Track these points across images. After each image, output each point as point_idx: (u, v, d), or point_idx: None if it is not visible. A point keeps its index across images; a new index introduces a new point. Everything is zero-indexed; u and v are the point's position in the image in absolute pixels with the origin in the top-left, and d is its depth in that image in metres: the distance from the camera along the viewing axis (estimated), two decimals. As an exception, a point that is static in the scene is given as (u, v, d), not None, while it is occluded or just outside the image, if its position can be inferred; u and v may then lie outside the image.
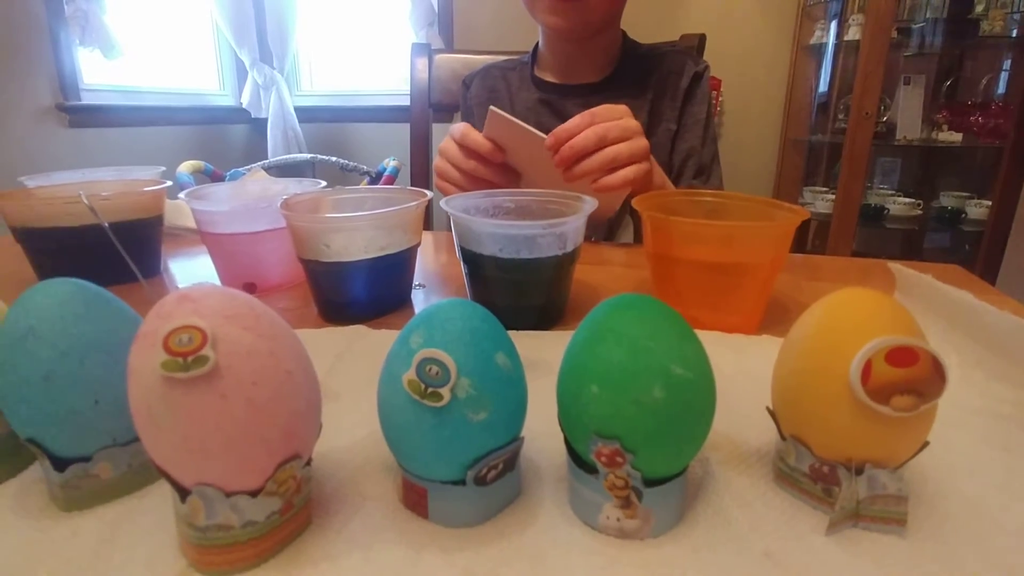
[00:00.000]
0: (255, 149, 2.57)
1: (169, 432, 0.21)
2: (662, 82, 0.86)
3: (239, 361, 0.21)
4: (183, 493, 0.22)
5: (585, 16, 0.77)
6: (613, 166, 0.58)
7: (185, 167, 1.81)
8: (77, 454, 0.25)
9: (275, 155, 2.34)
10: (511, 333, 0.36)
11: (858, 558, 0.23)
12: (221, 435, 0.21)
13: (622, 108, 0.61)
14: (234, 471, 0.21)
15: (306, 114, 2.54)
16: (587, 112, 0.59)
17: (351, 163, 2.13)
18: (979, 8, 1.95)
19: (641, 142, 0.60)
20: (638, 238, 0.86)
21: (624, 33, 0.90)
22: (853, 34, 2.03)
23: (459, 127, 0.63)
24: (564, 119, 0.59)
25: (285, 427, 0.22)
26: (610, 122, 0.58)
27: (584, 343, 0.24)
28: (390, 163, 2.03)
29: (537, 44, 0.91)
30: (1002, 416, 0.33)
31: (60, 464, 0.25)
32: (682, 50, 0.96)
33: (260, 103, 2.48)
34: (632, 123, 0.60)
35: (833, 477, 0.25)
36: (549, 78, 0.90)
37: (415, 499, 0.25)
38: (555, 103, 0.88)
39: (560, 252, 0.44)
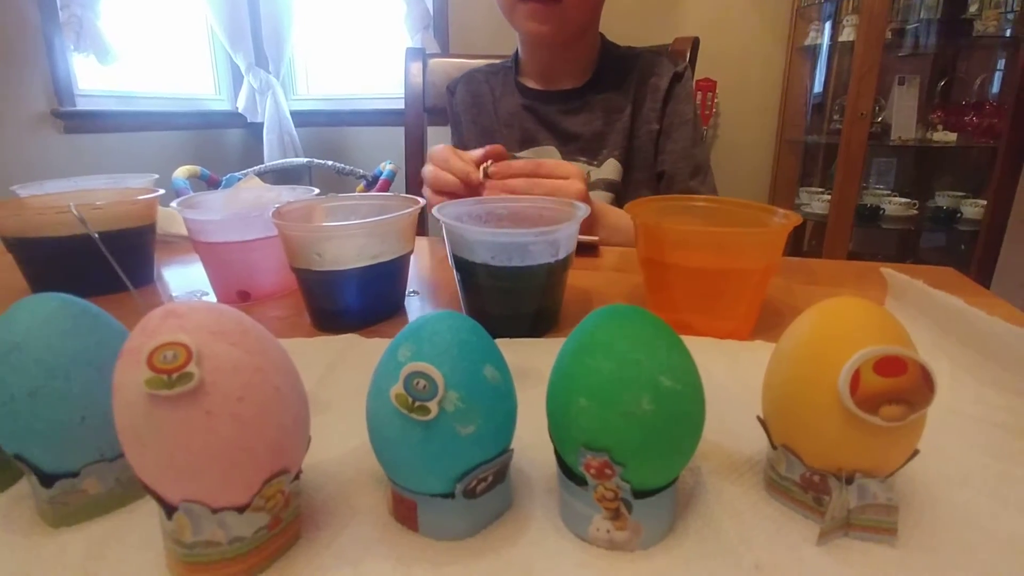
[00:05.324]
0: (251, 153, 2.57)
1: (154, 449, 0.21)
2: (642, 83, 0.86)
3: (225, 377, 0.21)
4: (169, 510, 0.21)
5: (563, 21, 0.78)
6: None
7: (181, 172, 1.81)
8: (64, 470, 0.25)
9: (271, 159, 2.34)
10: (504, 341, 0.37)
11: (849, 568, 0.23)
12: (207, 452, 0.21)
13: (569, 167, 0.63)
14: (220, 487, 0.21)
15: (302, 118, 2.54)
16: (533, 160, 0.63)
17: (347, 167, 2.13)
18: (973, 8, 1.95)
19: (568, 191, 0.61)
20: None
21: (602, 36, 0.90)
22: (847, 35, 2.03)
23: (438, 155, 0.65)
24: (547, 125, 0.61)
25: (272, 442, 0.22)
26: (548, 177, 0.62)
27: (572, 355, 0.24)
28: (386, 166, 2.04)
29: (517, 50, 0.92)
30: (994, 423, 0.33)
31: (47, 480, 0.25)
32: (659, 51, 0.96)
33: (256, 107, 2.48)
34: (566, 173, 0.62)
35: (824, 486, 0.25)
36: (531, 84, 0.90)
37: (405, 512, 0.25)
38: (539, 109, 0.88)
39: (552, 259, 0.44)
